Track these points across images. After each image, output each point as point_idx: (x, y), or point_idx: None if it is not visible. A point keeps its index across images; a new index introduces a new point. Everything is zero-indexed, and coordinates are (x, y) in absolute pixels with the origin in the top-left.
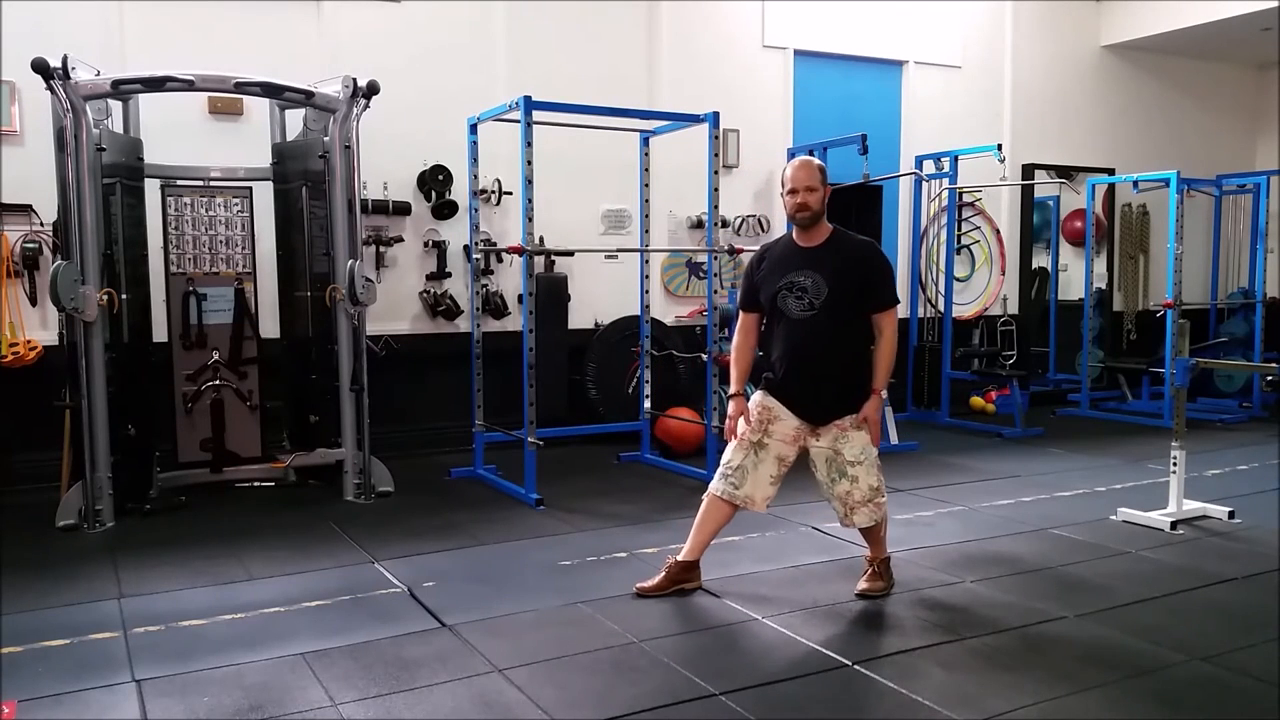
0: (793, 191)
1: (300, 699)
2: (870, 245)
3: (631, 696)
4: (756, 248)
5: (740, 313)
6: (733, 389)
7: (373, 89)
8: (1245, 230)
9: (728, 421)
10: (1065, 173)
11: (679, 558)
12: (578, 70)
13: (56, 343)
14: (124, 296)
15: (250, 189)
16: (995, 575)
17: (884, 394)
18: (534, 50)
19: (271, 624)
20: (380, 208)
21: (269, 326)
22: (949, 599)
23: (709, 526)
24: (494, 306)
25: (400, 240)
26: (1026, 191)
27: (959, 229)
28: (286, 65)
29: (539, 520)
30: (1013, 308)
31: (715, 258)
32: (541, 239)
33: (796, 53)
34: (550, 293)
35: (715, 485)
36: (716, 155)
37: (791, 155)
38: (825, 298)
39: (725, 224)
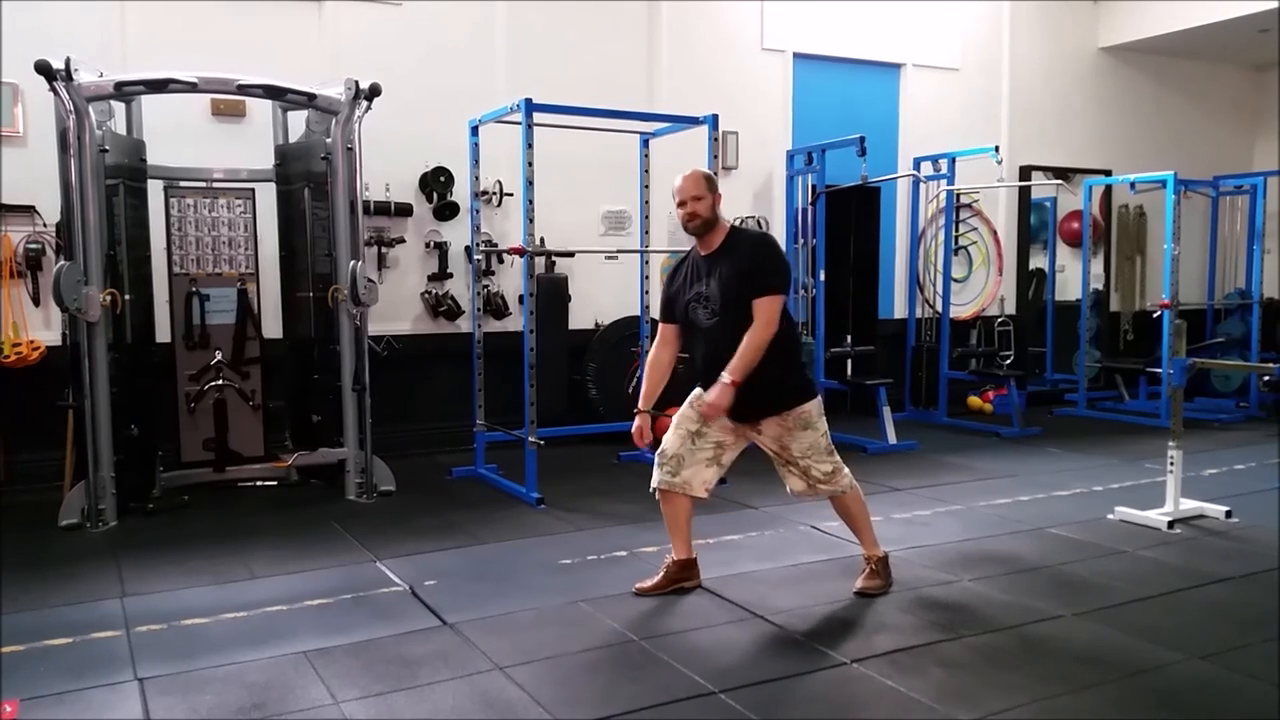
0: (681, 204)
1: (302, 697)
2: (759, 237)
3: (631, 694)
4: None
5: (660, 324)
6: (640, 404)
7: (375, 91)
8: (1242, 231)
9: (633, 434)
10: (1062, 174)
11: (673, 557)
12: (578, 72)
13: (59, 343)
14: (127, 297)
15: (253, 190)
16: (993, 574)
17: (726, 381)
18: (534, 53)
19: (274, 622)
20: (382, 209)
21: (271, 327)
22: (947, 598)
23: (678, 520)
24: (495, 307)
25: (402, 241)
26: (1024, 193)
27: (957, 230)
28: (289, 67)
29: (540, 519)
30: (1010, 308)
31: None
32: (542, 240)
33: (795, 55)
34: (551, 293)
35: (654, 476)
36: (716, 157)
37: (791, 157)
38: (721, 302)
39: None
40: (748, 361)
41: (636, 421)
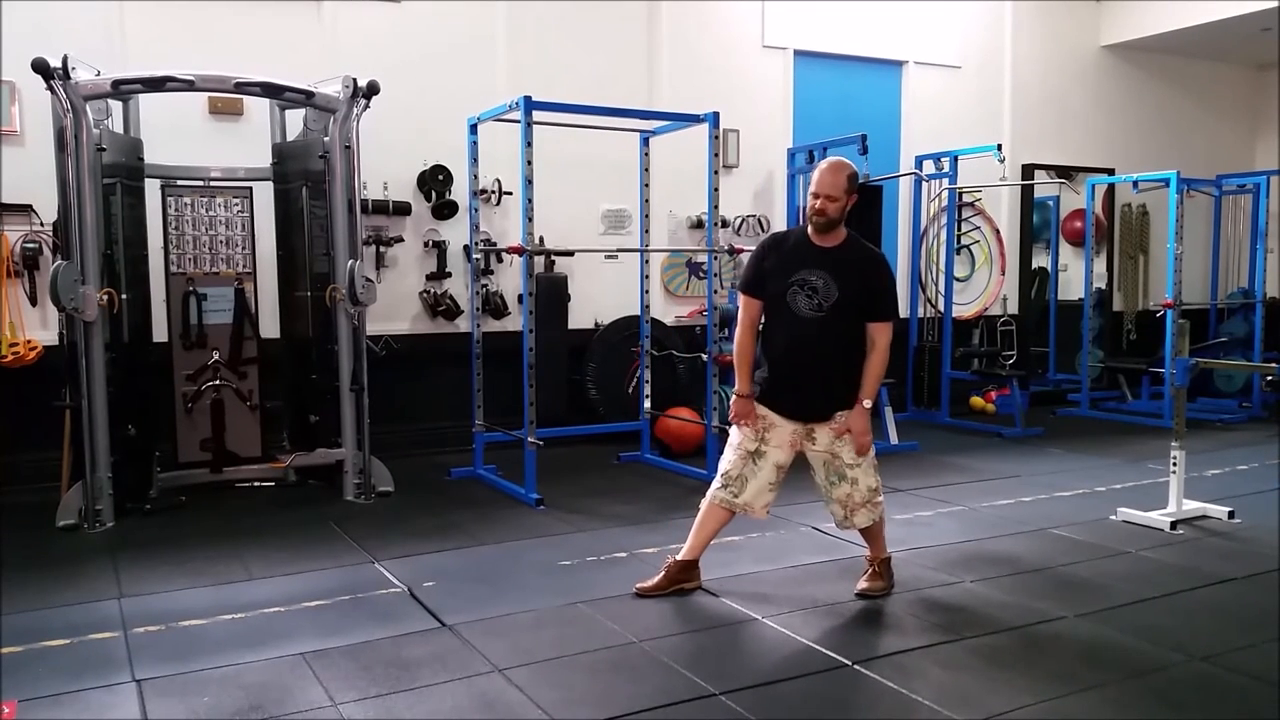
0: (815, 195)
1: (300, 699)
2: (881, 256)
3: (631, 696)
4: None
5: (743, 297)
6: (741, 387)
7: (373, 89)
8: (1245, 230)
9: (734, 415)
10: (1065, 173)
11: (678, 557)
12: (578, 70)
13: (56, 343)
14: (124, 296)
15: (250, 189)
16: (995, 575)
17: (868, 406)
18: (534, 50)
19: (271, 624)
20: (380, 208)
21: (269, 326)
22: (948, 599)
23: (708, 528)
24: (494, 306)
25: (400, 240)
26: (1026, 191)
27: (959, 229)
28: (286, 65)
29: (539, 520)
30: (1013, 308)
31: (715, 258)
32: (541, 239)
33: (796, 53)
34: (550, 293)
35: (715, 494)
36: (716, 155)
37: (791, 156)
38: (836, 300)
39: (725, 224)
40: (877, 386)
41: (740, 406)
